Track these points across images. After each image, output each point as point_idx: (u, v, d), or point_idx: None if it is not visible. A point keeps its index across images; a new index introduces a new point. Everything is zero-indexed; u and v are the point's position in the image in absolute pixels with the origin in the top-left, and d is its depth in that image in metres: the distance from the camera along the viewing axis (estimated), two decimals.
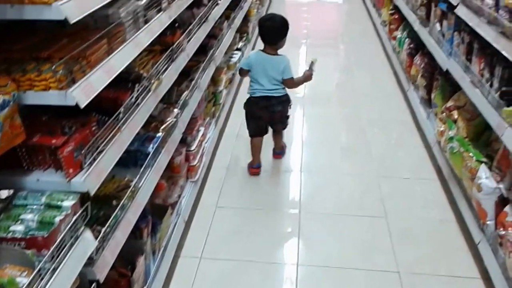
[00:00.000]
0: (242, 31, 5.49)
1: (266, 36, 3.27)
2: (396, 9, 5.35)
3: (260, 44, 3.35)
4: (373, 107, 4.50)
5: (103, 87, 1.57)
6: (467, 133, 2.96)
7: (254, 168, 3.42)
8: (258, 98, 3.28)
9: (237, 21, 4.69)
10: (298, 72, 3.53)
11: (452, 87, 3.43)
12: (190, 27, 2.87)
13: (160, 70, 2.21)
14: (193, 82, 2.94)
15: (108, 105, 1.78)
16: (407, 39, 4.69)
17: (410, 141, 3.90)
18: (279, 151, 3.62)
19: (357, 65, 5.62)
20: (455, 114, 3.13)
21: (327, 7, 8.67)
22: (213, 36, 3.72)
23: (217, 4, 3.65)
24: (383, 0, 6.42)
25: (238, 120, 4.09)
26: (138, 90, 1.90)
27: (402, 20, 5.12)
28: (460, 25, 3.12)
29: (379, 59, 5.71)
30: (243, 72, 3.38)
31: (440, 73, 3.64)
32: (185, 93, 2.76)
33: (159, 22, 2.24)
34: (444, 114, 3.26)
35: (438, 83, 3.66)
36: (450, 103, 3.25)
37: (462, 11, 2.95)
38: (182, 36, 2.69)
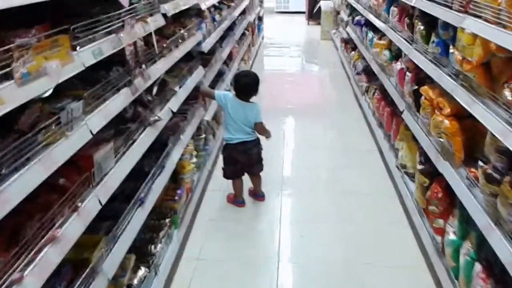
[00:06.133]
0: (162, 215, 3.05)
1: (242, 91, 3.53)
2: (433, 169, 2.97)
3: None
4: None
5: None
6: None
7: (240, 203, 3.78)
8: (236, 144, 3.58)
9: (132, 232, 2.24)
10: None
11: None
12: None
13: None
14: None
15: None
16: (476, 264, 2.28)
17: None
18: (261, 194, 3.87)
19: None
20: None
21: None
22: None
23: None
24: (397, 127, 4.11)
25: None
26: None
27: (452, 202, 2.74)
28: None
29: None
30: (211, 96, 3.69)
31: None
32: None
33: None
34: None
35: None
36: None
37: None
38: None
